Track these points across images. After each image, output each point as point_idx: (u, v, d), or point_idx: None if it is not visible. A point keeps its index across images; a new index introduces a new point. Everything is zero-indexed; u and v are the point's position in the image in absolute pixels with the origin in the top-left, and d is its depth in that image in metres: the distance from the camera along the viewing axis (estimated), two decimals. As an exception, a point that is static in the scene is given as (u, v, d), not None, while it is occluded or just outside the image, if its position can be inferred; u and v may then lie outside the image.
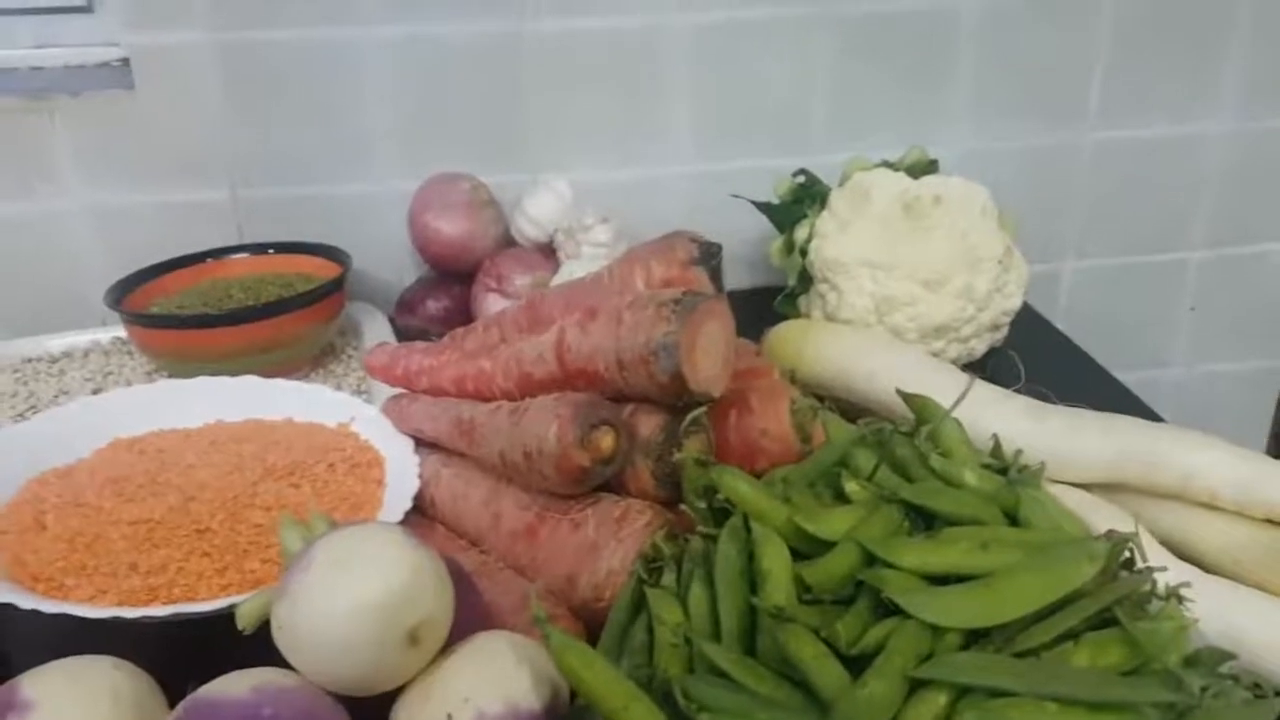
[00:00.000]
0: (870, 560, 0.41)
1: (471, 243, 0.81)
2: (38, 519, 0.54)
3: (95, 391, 0.74)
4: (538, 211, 0.80)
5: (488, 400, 0.58)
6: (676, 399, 0.50)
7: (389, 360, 0.62)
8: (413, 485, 0.58)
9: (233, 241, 0.84)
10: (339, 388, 0.74)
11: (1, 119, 0.78)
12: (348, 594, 0.38)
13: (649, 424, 0.52)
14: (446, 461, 0.59)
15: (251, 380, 0.67)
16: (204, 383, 0.66)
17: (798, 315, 0.77)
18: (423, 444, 0.61)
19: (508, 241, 0.83)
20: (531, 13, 0.82)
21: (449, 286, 0.82)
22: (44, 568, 0.51)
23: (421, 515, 0.58)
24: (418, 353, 0.61)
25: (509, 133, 0.86)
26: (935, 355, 0.70)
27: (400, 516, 0.55)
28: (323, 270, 0.80)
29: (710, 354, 0.50)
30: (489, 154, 0.86)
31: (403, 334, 0.81)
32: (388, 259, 0.86)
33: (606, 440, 0.50)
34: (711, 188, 0.89)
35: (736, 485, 0.45)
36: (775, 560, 0.42)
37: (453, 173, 0.83)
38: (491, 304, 0.78)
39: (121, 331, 0.81)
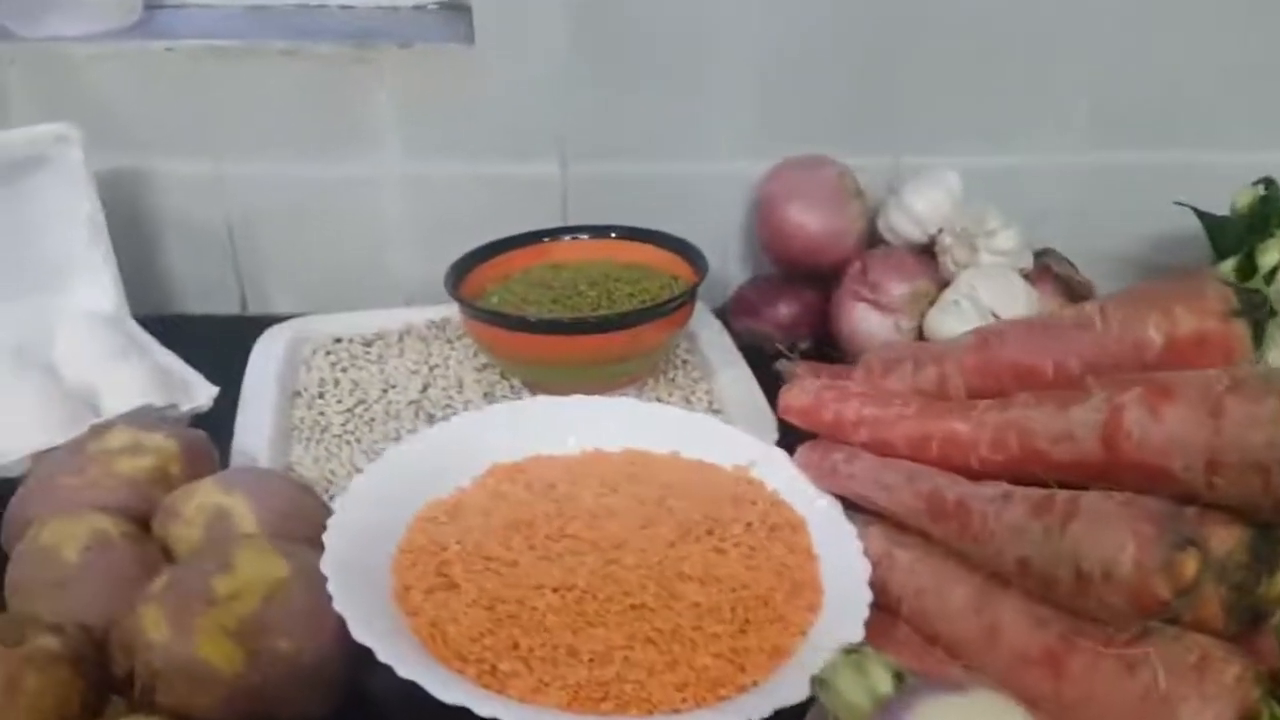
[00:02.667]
0: None
1: (835, 240, 0.70)
2: (442, 572, 0.47)
3: (424, 387, 0.67)
4: (921, 206, 0.68)
5: (958, 470, 0.48)
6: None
7: (813, 402, 0.52)
8: (861, 567, 0.48)
9: (555, 220, 0.75)
10: (689, 405, 0.66)
11: (324, 69, 0.70)
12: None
13: (1224, 538, 0.41)
14: (898, 539, 0.49)
15: (629, 403, 0.59)
16: (578, 403, 0.58)
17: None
18: (851, 506, 0.52)
19: (871, 240, 0.72)
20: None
21: (800, 289, 0.72)
22: (469, 645, 0.43)
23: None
24: (855, 397, 0.51)
25: (872, 108, 0.74)
26: None
27: (865, 612, 0.46)
28: (657, 261, 0.70)
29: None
30: (847, 133, 0.74)
31: (739, 339, 0.72)
32: (715, 249, 0.73)
33: (1191, 565, 0.39)
34: (1102, 183, 0.76)
35: None
36: None
37: (814, 156, 0.72)
38: (862, 317, 0.67)
39: (434, 314, 0.74)
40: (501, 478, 0.54)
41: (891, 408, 0.50)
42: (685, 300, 0.64)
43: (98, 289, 0.66)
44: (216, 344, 0.69)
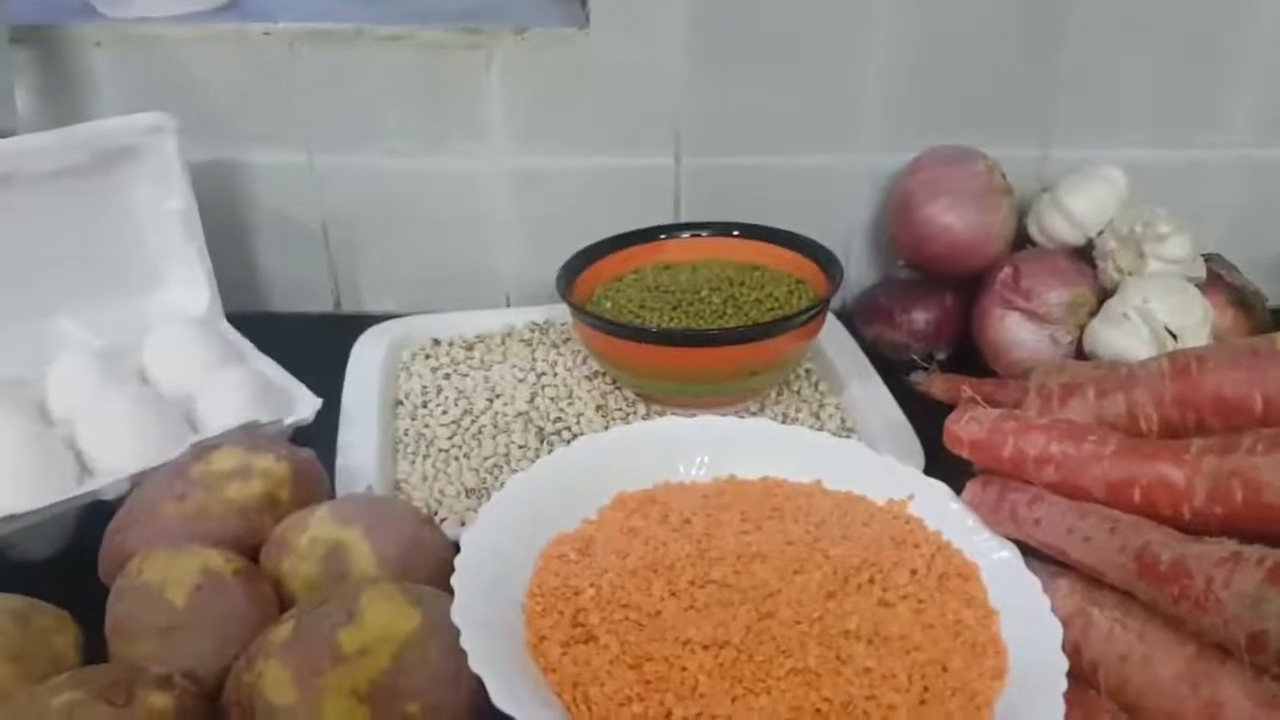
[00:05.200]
0: None
1: (981, 241, 0.64)
2: (579, 621, 0.42)
3: (532, 397, 0.63)
4: (1081, 206, 0.62)
5: (1164, 520, 0.42)
6: None
7: (988, 434, 0.47)
8: (1050, 627, 0.42)
9: (664, 216, 0.70)
10: (818, 423, 0.61)
11: (431, 55, 0.65)
12: None
13: None
14: (1094, 597, 0.43)
15: (765, 425, 0.54)
16: (709, 424, 0.53)
17: None
18: (1032, 554, 0.46)
19: (1019, 241, 0.66)
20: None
21: (940, 294, 0.66)
22: (617, 711, 0.39)
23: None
24: (1039, 430, 0.45)
25: (1019, 94, 0.68)
26: None
27: (1062, 683, 0.40)
28: (780, 262, 0.65)
29: None
30: (990, 122, 0.68)
31: (868, 347, 0.67)
32: (837, 248, 0.66)
33: None
34: (1269, 180, 0.69)
35: None
36: None
37: (959, 147, 0.66)
38: (1013, 327, 0.61)
39: (537, 315, 0.70)
40: (631, 509, 0.50)
41: (1085, 444, 0.44)
42: (820, 310, 0.59)
43: (191, 288, 0.63)
44: (309, 345, 0.65)
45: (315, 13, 0.66)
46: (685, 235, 0.66)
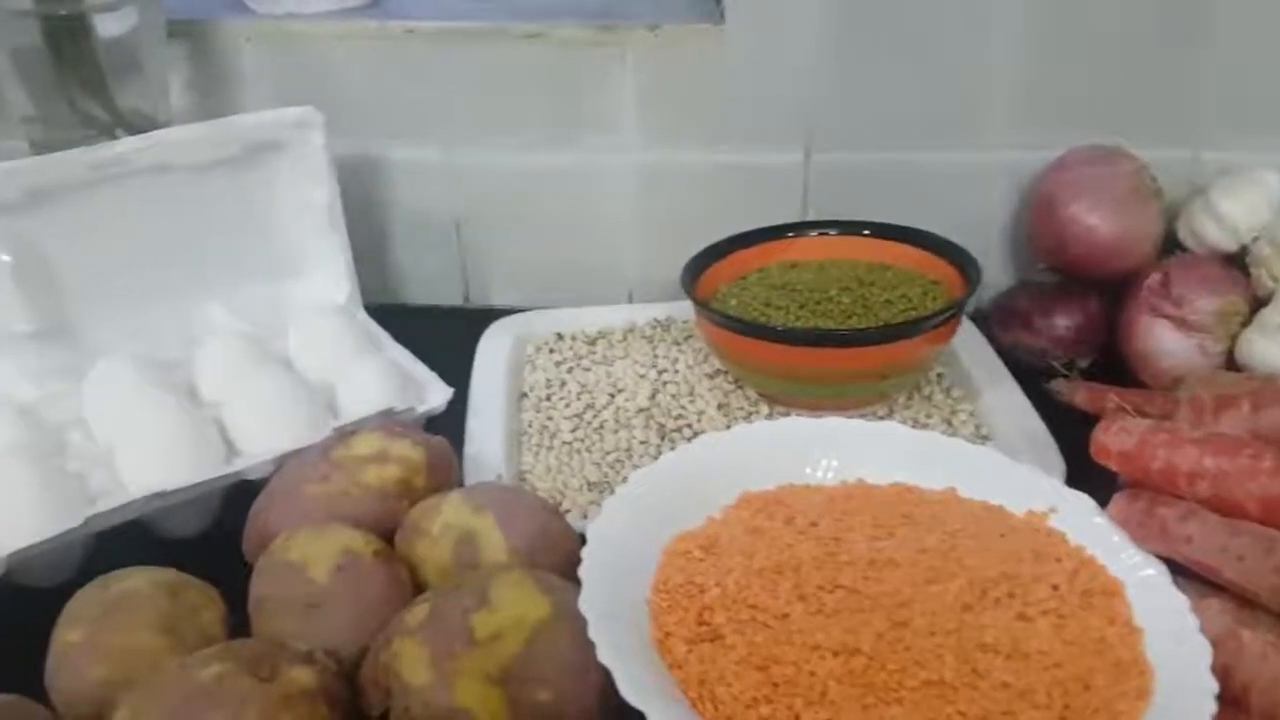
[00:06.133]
0: None
1: (1128, 245, 0.61)
2: (705, 619, 0.42)
3: (653, 394, 0.63)
4: (1235, 210, 0.59)
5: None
6: None
7: (1137, 446, 0.45)
8: (1199, 647, 0.40)
9: (791, 213, 0.69)
10: (951, 430, 0.59)
11: (566, 52, 0.66)
12: None
13: None
14: (1246, 618, 0.41)
15: (896, 429, 0.53)
16: (838, 426, 0.52)
17: None
18: (1180, 571, 0.44)
19: (1168, 246, 0.63)
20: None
21: (1082, 298, 0.63)
22: (744, 713, 0.38)
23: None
24: (1192, 443, 0.43)
25: (1167, 92, 0.65)
26: None
27: (1211, 706, 0.38)
28: (911, 262, 0.63)
29: None
30: (1137, 121, 0.65)
31: (1005, 352, 0.64)
32: (973, 249, 0.63)
33: None
34: None
35: None
36: None
37: (1106, 147, 0.63)
38: (1161, 335, 0.58)
39: (658, 311, 0.70)
40: (756, 509, 0.49)
41: (1240, 459, 0.42)
42: (955, 313, 0.58)
43: (331, 279, 0.65)
44: (438, 336, 0.67)
45: (454, 11, 0.67)
46: (813, 233, 0.65)
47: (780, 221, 0.67)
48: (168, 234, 0.60)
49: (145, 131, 0.58)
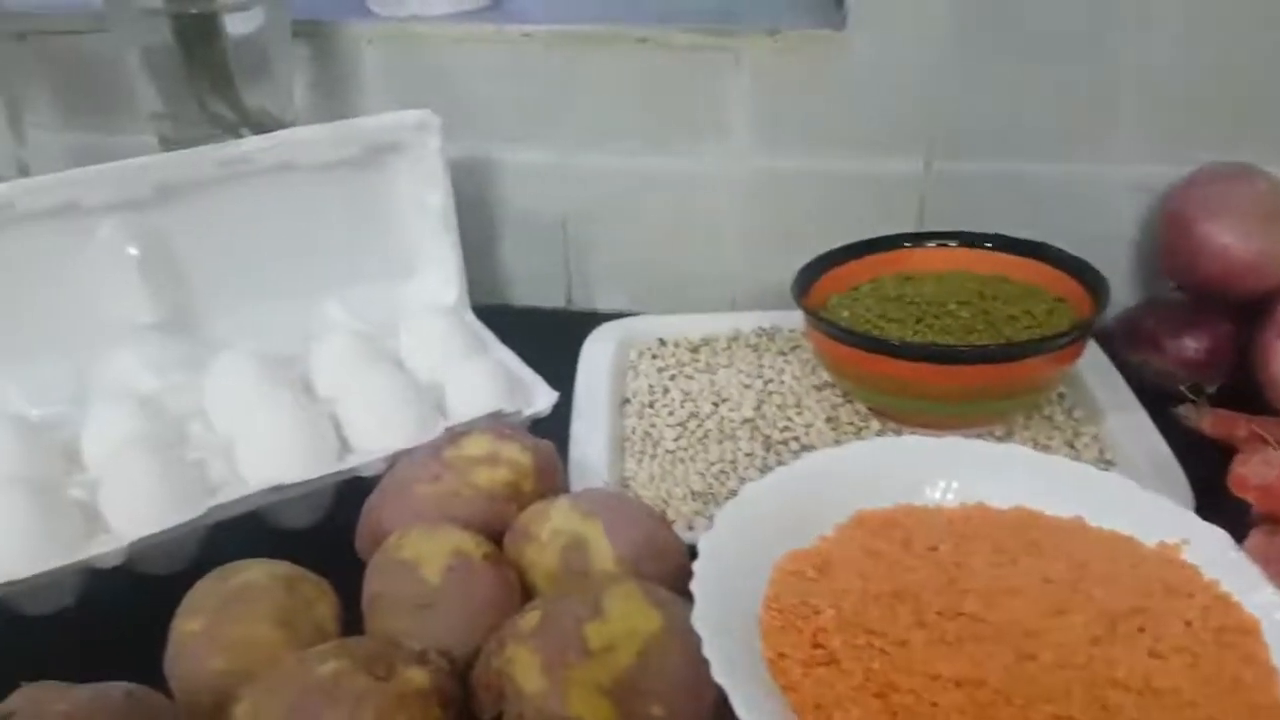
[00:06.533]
0: None
1: (1264, 266, 0.58)
2: (820, 642, 0.41)
3: (758, 404, 0.62)
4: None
5: None
6: None
7: (1279, 479, 0.43)
8: (1351, 697, 0.39)
9: (907, 224, 0.68)
10: (1074, 453, 0.56)
11: (682, 56, 0.65)
12: None
13: None
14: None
15: (1020, 452, 0.50)
16: (958, 446, 0.51)
17: None
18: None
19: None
20: None
21: (1214, 320, 0.60)
22: (859, 738, 0.38)
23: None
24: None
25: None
26: None
27: (1371, 766, 0.36)
28: (1033, 277, 0.61)
29: None
30: (1273, 138, 0.62)
31: (1130, 374, 0.61)
32: (1098, 266, 0.61)
33: None
34: None
35: None
36: None
37: (1241, 165, 0.60)
38: (1299, 361, 0.56)
39: (764, 320, 0.69)
40: (872, 530, 0.48)
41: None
42: (1083, 333, 0.55)
43: (442, 280, 0.65)
44: (540, 338, 0.66)
45: (571, 14, 0.67)
46: (931, 244, 0.63)
47: (893, 231, 0.65)
48: (287, 232, 0.61)
49: (270, 131, 0.60)
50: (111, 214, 0.56)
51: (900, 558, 0.46)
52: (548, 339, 0.67)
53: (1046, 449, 0.58)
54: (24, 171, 0.65)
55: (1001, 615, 0.42)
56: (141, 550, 0.48)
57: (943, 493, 0.50)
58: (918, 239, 0.64)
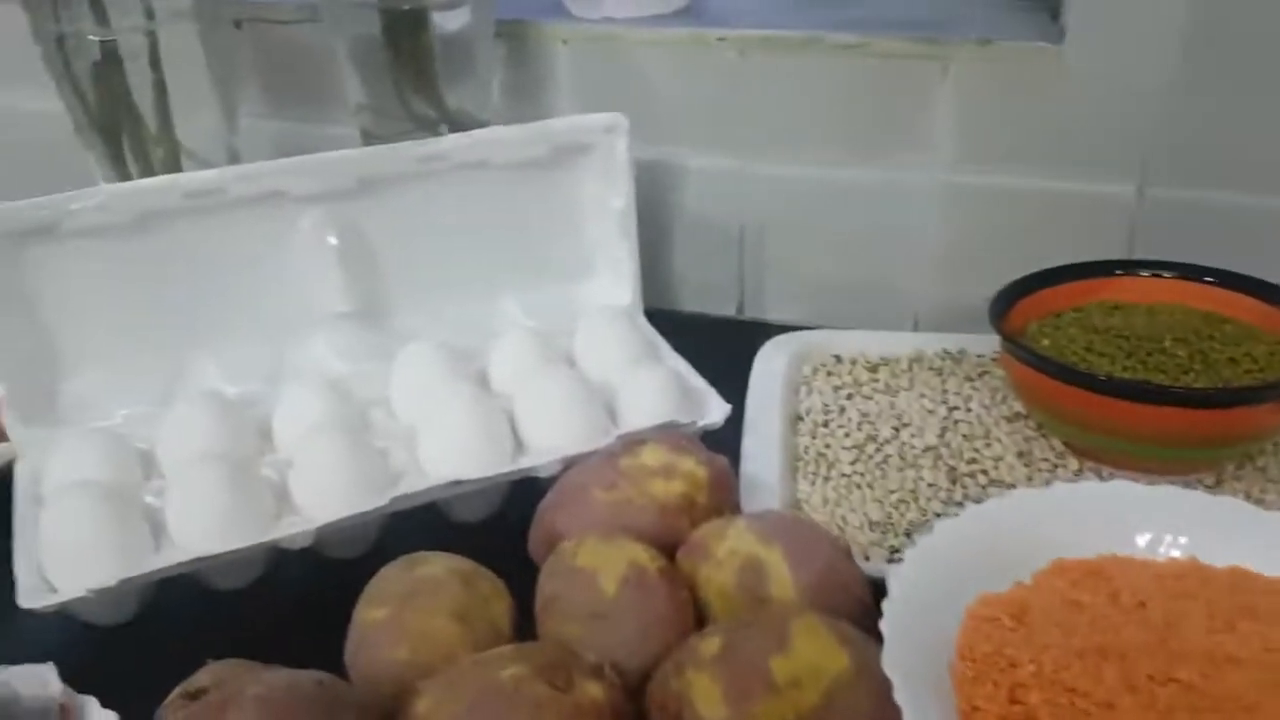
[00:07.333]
0: None
1: None
2: (1018, 698, 0.38)
3: (942, 432, 0.59)
4: None
5: None
6: None
7: None
8: None
9: (1113, 251, 0.63)
10: (1293, 507, 0.52)
11: (884, 65, 0.63)
12: None
13: None
14: None
15: (1237, 506, 0.46)
16: (1171, 496, 0.47)
17: None
18: None
19: None
20: None
21: None
22: (1058, 809, 0.35)
23: None
24: None
25: None
26: None
27: None
28: (1256, 317, 0.56)
29: None
30: None
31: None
32: None
33: None
34: None
35: None
36: None
37: None
38: None
39: (949, 343, 0.66)
40: (1073, 580, 0.44)
41: None
42: (1323, 377, 0.50)
43: (617, 283, 0.65)
44: (710, 347, 0.65)
45: (768, 19, 0.66)
46: (1144, 274, 0.59)
47: (1097, 258, 0.61)
48: (473, 228, 0.62)
49: (468, 129, 0.60)
50: (315, 204, 0.58)
51: (1106, 612, 0.42)
52: (716, 348, 0.66)
53: (1260, 502, 0.53)
54: (235, 157, 0.68)
55: (1218, 686, 0.38)
56: (327, 533, 0.49)
57: (1151, 544, 0.46)
58: (1130, 267, 0.59)
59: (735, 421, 0.60)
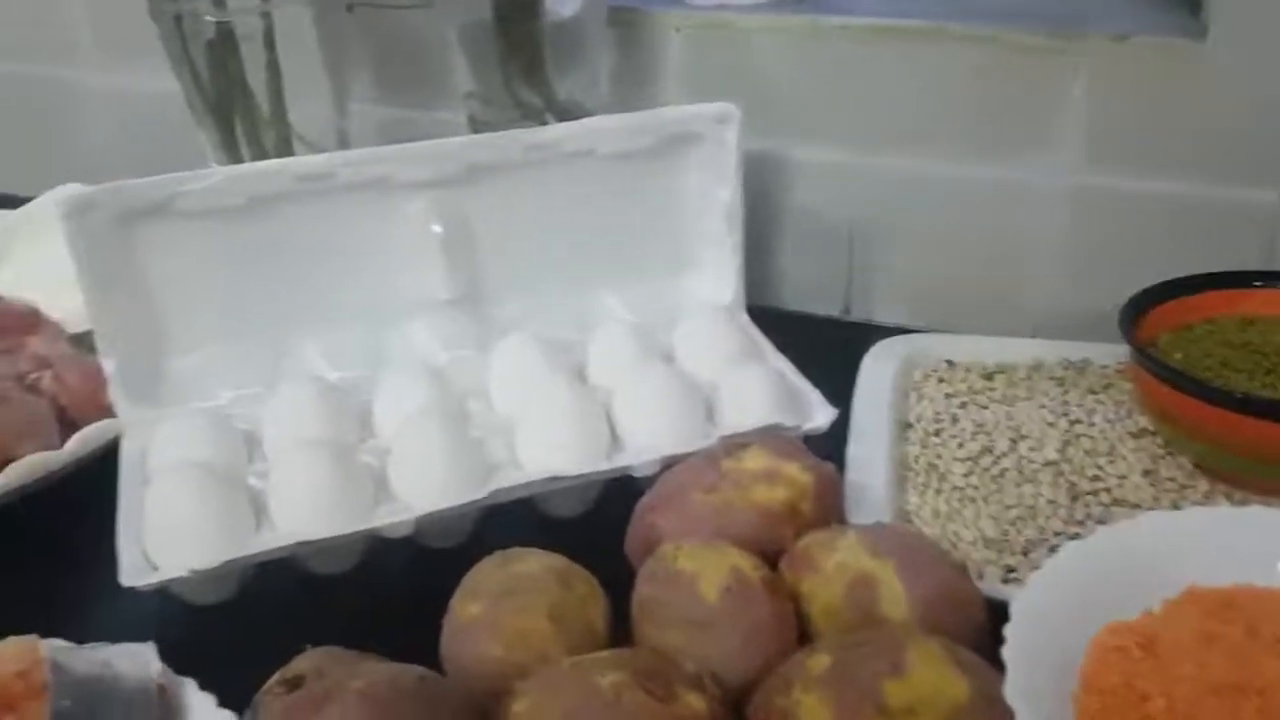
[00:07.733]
0: None
1: None
2: (1142, 728, 0.37)
3: (1063, 445, 0.56)
4: None
5: None
6: None
7: None
8: None
9: (1250, 261, 0.59)
10: None
11: (1012, 58, 0.60)
12: None
13: None
14: None
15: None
16: (1323, 525, 0.44)
17: None
18: None
19: None
20: None
21: None
22: None
23: None
24: None
25: None
26: None
27: None
28: None
29: None
30: None
31: None
32: None
33: None
34: None
35: None
36: None
37: None
38: None
39: (1072, 352, 0.62)
40: (1207, 610, 0.41)
41: None
42: None
43: (721, 280, 0.63)
44: (813, 348, 0.63)
45: (888, 8, 0.63)
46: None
47: (1233, 268, 0.57)
48: (578, 218, 0.61)
49: (574, 118, 0.59)
50: (421, 191, 0.57)
51: (1243, 646, 0.39)
52: (821, 349, 0.63)
53: None
54: (344, 142, 0.68)
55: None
56: (425, 523, 0.49)
57: (1285, 575, 0.43)
58: (1269, 279, 0.56)
59: (840, 427, 0.57)
